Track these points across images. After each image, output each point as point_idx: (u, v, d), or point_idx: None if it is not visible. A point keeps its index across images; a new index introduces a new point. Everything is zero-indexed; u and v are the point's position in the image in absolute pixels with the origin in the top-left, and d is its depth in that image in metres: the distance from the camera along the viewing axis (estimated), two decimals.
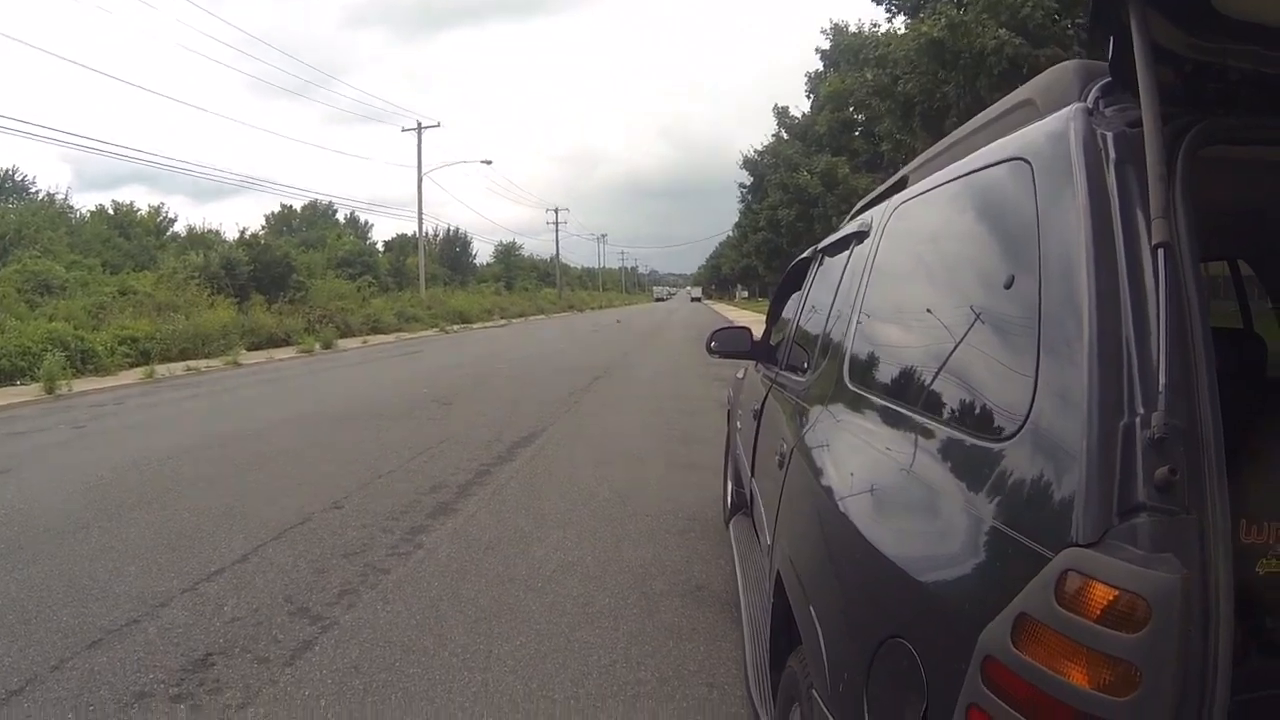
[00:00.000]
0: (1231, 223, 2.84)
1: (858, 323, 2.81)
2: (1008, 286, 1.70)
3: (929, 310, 2.24)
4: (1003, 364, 1.69)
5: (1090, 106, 1.64)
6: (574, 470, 8.87)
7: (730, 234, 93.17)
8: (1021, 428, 1.47)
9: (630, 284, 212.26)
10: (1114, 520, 1.22)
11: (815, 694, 1.99)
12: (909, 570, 1.67)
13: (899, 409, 2.12)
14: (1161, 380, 1.25)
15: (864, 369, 2.64)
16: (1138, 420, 1.25)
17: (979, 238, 2.07)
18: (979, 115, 2.40)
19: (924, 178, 2.65)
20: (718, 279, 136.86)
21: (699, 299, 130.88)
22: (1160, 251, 1.32)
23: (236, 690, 3.94)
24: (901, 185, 3.04)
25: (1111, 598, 1.18)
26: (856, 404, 2.53)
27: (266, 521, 6.75)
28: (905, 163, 3.44)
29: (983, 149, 2.06)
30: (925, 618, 1.58)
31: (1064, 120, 1.65)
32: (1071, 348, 1.39)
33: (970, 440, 1.66)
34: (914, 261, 2.61)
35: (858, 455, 2.31)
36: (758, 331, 5.47)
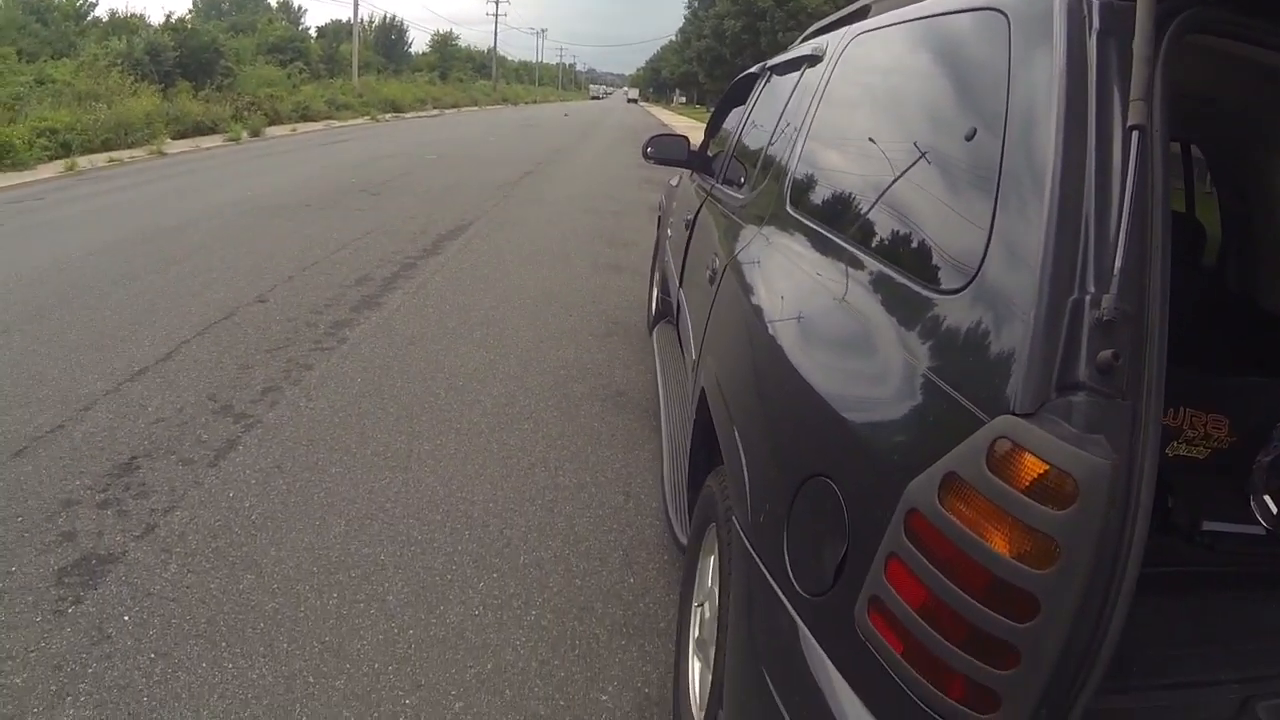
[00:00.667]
0: (1195, 107, 2.79)
1: (803, 146, 2.73)
2: (969, 139, 1.63)
3: (881, 147, 2.17)
4: (954, 215, 1.65)
5: None
6: (499, 266, 8.79)
7: (673, 39, 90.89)
8: (968, 284, 1.44)
9: (567, 81, 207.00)
10: (1051, 394, 1.21)
11: (735, 521, 2.01)
12: (839, 409, 1.67)
13: (841, 242, 2.08)
14: (1118, 263, 1.23)
15: (806, 195, 2.58)
16: (1088, 299, 1.23)
17: (941, 83, 1.98)
18: None
19: (889, 9, 2.55)
20: (656, 83, 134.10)
21: (635, 100, 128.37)
22: (1135, 134, 1.28)
23: (162, 494, 3.92)
24: (863, 14, 2.92)
25: (1041, 471, 1.18)
26: (797, 229, 2.48)
27: (190, 317, 6.59)
28: None
29: None
30: (852, 460, 1.58)
31: None
32: (1029, 214, 1.36)
33: (914, 286, 1.63)
34: (869, 95, 2.51)
35: (794, 281, 2.27)
36: (696, 140, 5.36)
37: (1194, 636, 1.83)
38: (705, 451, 2.76)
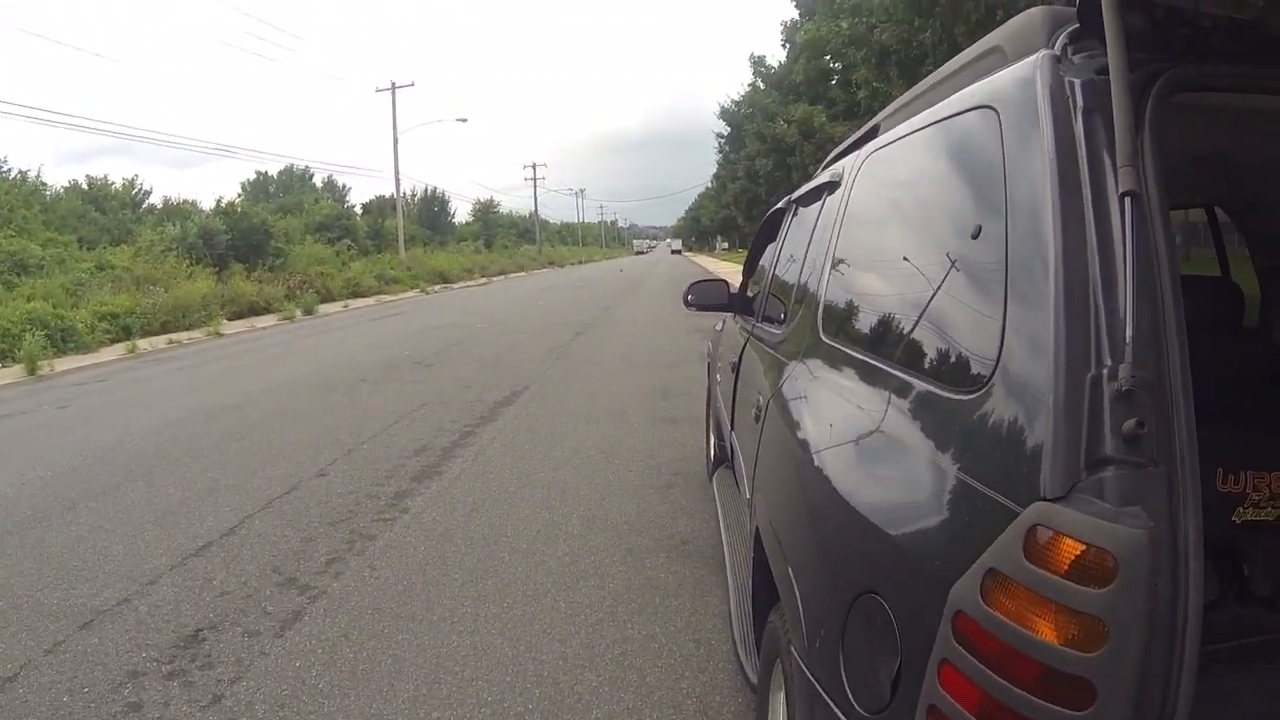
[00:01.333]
0: (1208, 169, 2.81)
1: (830, 273, 2.78)
2: (975, 236, 1.67)
3: (899, 260, 2.21)
4: (971, 315, 1.67)
5: (1058, 54, 1.60)
6: (557, 428, 8.84)
7: (709, 185, 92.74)
8: (989, 380, 1.45)
9: (610, 238, 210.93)
10: (1081, 474, 1.20)
11: (794, 650, 1.99)
12: (881, 524, 1.66)
13: (871, 361, 2.10)
14: (1129, 332, 1.23)
15: (837, 320, 2.61)
16: (1105, 372, 1.23)
17: (948, 186, 2.03)
18: (949, 62, 2.37)
19: (895, 125, 2.62)
20: (697, 231, 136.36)
21: (679, 251, 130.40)
22: (1127, 200, 1.30)
23: (229, 665, 3.94)
24: (873, 134, 3.00)
25: (1079, 552, 1.16)
26: (830, 356, 2.51)
27: (253, 493, 6.73)
28: (881, 109, 3.40)
29: (952, 96, 2.02)
30: (897, 573, 1.57)
31: (1030, 67, 1.62)
32: (1039, 299, 1.37)
33: (939, 392, 1.65)
34: (885, 210, 2.58)
35: (831, 409, 2.29)
36: (736, 283, 5.45)
37: None
38: (766, 589, 2.73)
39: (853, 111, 34.90)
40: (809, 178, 4.57)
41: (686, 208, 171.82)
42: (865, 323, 2.38)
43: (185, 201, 42.97)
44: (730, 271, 32.42)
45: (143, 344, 19.58)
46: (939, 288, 1.84)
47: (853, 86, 30.41)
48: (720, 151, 64.29)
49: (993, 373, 1.44)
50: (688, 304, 5.40)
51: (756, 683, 2.82)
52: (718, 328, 6.35)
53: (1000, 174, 1.59)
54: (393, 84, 50.55)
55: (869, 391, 2.05)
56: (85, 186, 51.98)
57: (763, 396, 3.10)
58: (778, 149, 41.50)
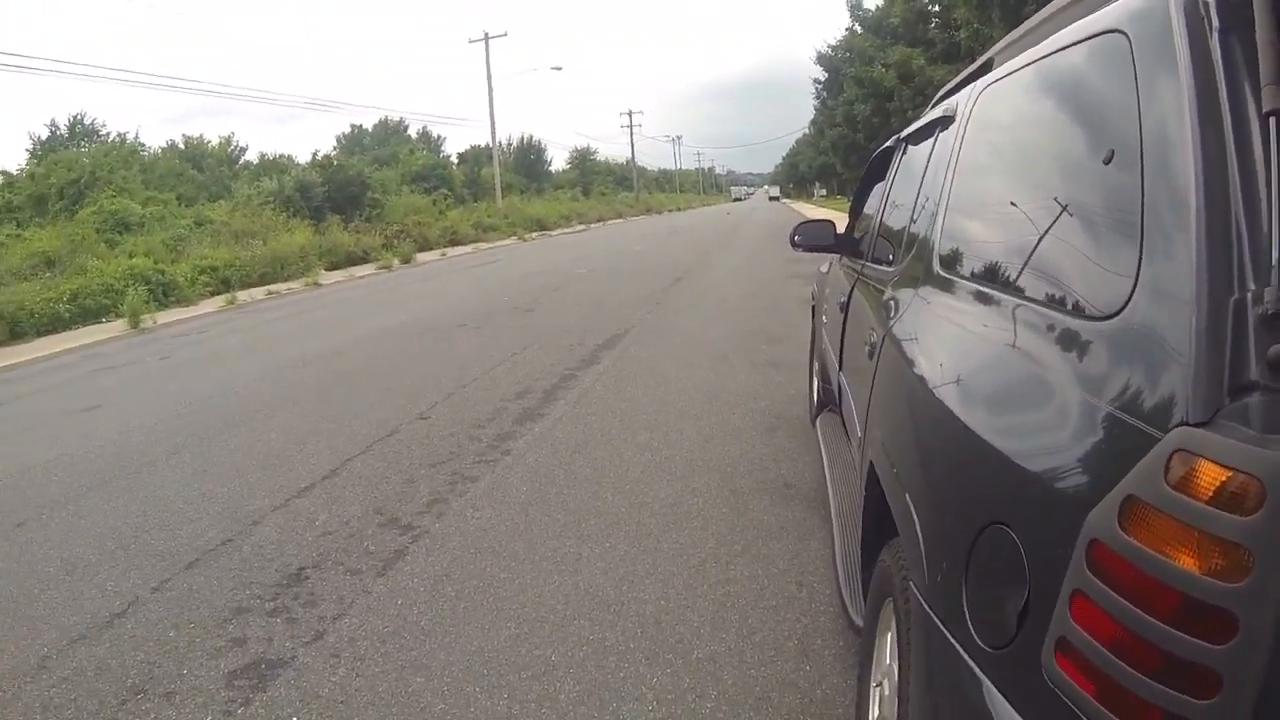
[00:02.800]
0: None
1: (946, 208, 2.71)
2: (1107, 161, 1.60)
3: (1022, 190, 2.14)
4: (1104, 240, 1.61)
5: None
6: (658, 372, 8.86)
7: (806, 131, 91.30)
8: (1126, 305, 1.39)
9: (707, 185, 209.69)
10: (1225, 400, 1.15)
11: (912, 585, 1.95)
12: (1010, 453, 1.61)
13: (993, 292, 2.05)
14: (1275, 255, 1.17)
15: (954, 255, 2.55)
16: (1249, 295, 1.17)
17: (1073, 114, 1.96)
18: None
19: (1010, 59, 2.54)
20: (795, 177, 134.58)
21: (777, 198, 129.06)
22: (1272, 120, 1.22)
23: (331, 603, 4.05)
24: (987, 68, 2.92)
25: (1224, 479, 1.10)
26: (948, 289, 2.46)
27: (354, 436, 6.88)
28: (982, 51, 3.28)
29: (1074, 24, 1.95)
30: (1027, 502, 1.52)
31: None
32: (1179, 223, 1.31)
33: (1072, 319, 1.59)
34: (1004, 144, 2.50)
35: (950, 340, 2.25)
36: (840, 225, 5.35)
37: None
38: (877, 529, 2.70)
39: (952, 54, 34.09)
40: (907, 122, 4.45)
41: (784, 155, 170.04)
42: (986, 255, 2.31)
43: (281, 156, 44.12)
44: (828, 215, 32.01)
45: (242, 295, 20.15)
46: (1065, 215, 1.78)
47: (952, 27, 29.65)
48: (818, 98, 63.18)
49: (1129, 298, 1.39)
50: (794, 244, 5.33)
51: (862, 624, 2.79)
52: (823, 270, 6.25)
53: (1133, 98, 1.53)
54: (486, 34, 50.78)
55: (993, 321, 2.00)
56: (182, 146, 53.41)
57: (876, 333, 3.04)
58: (876, 93, 40.61)
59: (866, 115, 41.98)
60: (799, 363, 8.06)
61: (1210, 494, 1.11)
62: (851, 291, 4.19)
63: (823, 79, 58.70)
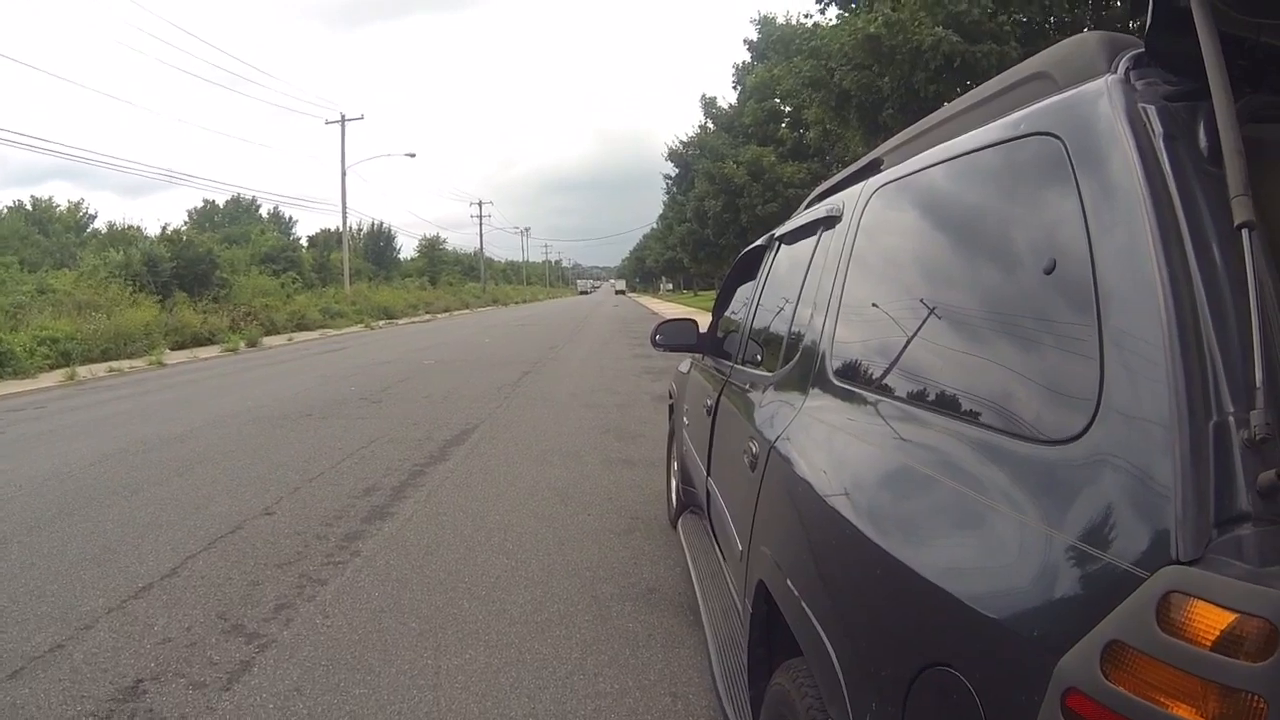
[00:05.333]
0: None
1: (838, 312, 2.65)
2: (1049, 271, 1.54)
3: (936, 298, 2.07)
4: (1050, 358, 1.54)
5: (1125, 79, 1.51)
6: (510, 469, 8.65)
7: (654, 226, 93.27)
8: (1088, 428, 1.31)
9: (554, 277, 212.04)
10: (1213, 534, 1.08)
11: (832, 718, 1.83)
12: (954, 591, 1.48)
13: (913, 409, 1.96)
14: (1258, 374, 1.11)
15: (854, 365, 2.47)
16: (1231, 419, 1.12)
17: (996, 219, 1.91)
18: (969, 93, 2.28)
19: (903, 159, 2.52)
20: (642, 272, 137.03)
21: (623, 291, 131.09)
22: (1245, 232, 1.19)
23: None
24: (875, 168, 2.90)
25: (1229, 621, 1.02)
26: (850, 400, 2.36)
27: (195, 531, 6.47)
28: (832, 150, 3.30)
29: (989, 126, 1.92)
30: (978, 644, 1.39)
31: (1099, 92, 1.53)
32: (1144, 340, 1.25)
33: (1017, 443, 1.50)
34: (910, 248, 2.44)
35: (861, 460, 2.12)
36: (702, 324, 5.32)
37: None
38: (765, 646, 2.59)
39: (800, 152, 35.39)
40: (758, 219, 4.48)
41: (631, 249, 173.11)
42: (895, 366, 2.21)
43: (130, 227, 42.41)
44: (675, 312, 32.51)
45: (83, 371, 19.40)
46: (1001, 327, 1.71)
47: (802, 127, 30.82)
48: (668, 193, 64.84)
49: (1091, 420, 1.31)
50: (655, 344, 5.27)
51: None
52: (683, 369, 6.22)
53: (1075, 205, 1.48)
54: (342, 116, 50.52)
55: (917, 440, 1.89)
56: (29, 208, 51.47)
57: (757, 443, 2.94)
58: (727, 189, 41.80)
59: (717, 210, 43.13)
60: (654, 460, 7.99)
61: (1214, 638, 1.03)
62: (720, 395, 4.11)
63: (673, 174, 60.24)
